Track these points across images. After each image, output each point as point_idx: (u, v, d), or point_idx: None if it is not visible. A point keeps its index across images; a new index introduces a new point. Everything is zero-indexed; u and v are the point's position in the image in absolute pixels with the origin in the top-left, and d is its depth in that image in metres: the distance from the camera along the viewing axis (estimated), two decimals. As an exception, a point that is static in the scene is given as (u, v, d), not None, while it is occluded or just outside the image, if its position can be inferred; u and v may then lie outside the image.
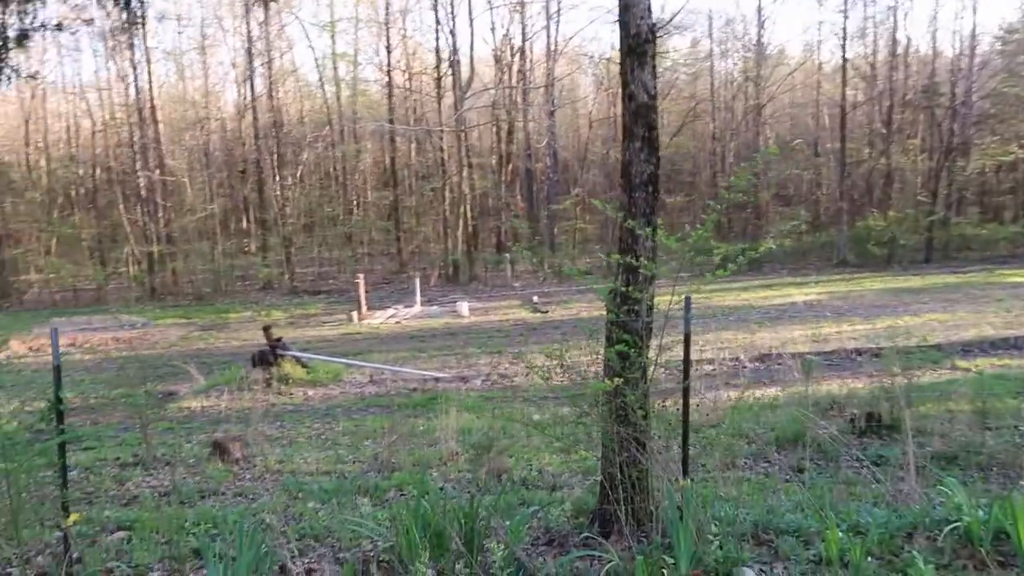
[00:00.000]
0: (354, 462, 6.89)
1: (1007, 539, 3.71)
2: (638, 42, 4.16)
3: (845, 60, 31.53)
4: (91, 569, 3.82)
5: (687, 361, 4.11)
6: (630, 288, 4.04)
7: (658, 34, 4.24)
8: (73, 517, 3.88)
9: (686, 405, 4.14)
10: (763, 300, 19.94)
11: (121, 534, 4.64)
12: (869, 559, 3.68)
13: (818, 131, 35.30)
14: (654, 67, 4.21)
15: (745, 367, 11.45)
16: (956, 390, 8.53)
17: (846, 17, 32.78)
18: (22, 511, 4.26)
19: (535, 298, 21.09)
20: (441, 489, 5.50)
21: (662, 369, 4.36)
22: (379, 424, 8.47)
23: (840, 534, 3.82)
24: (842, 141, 30.99)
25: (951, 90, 30.66)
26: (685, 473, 4.08)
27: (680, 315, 4.24)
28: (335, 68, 35.82)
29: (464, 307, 20.31)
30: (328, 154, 35.89)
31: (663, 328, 4.20)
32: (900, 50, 32.74)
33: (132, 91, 29.71)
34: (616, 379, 3.83)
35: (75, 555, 3.91)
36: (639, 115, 4.18)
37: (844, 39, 31.37)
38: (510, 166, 34.10)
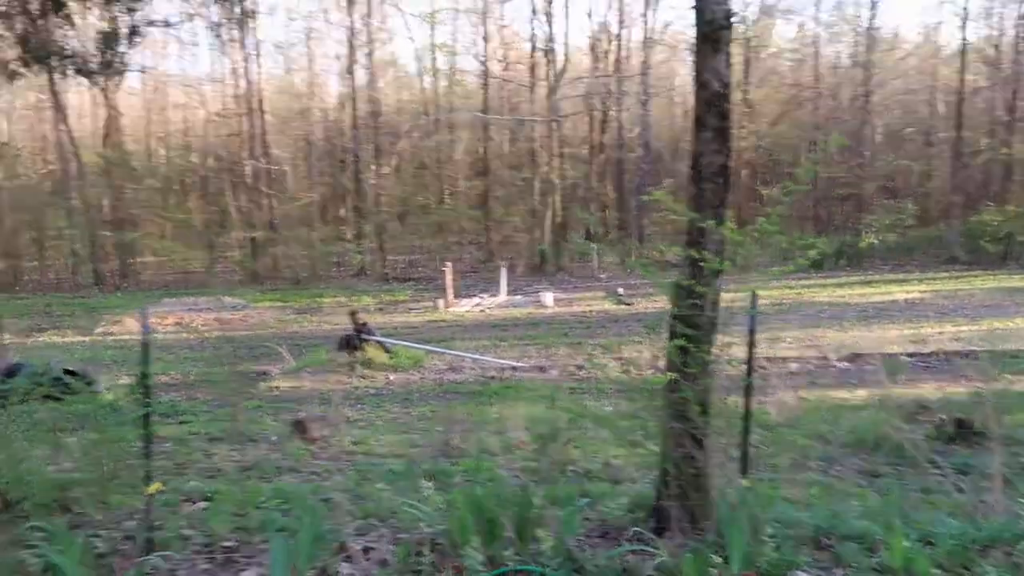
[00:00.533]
0: (426, 447, 7.07)
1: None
2: (712, 28, 4.06)
3: (965, 42, 29.63)
4: (169, 535, 4.08)
5: (751, 358, 4.00)
6: (694, 282, 3.97)
7: (735, 20, 4.11)
8: (155, 486, 4.15)
9: (748, 403, 4.04)
10: (860, 297, 19.11)
11: (203, 504, 4.93)
12: (936, 571, 3.51)
13: (932, 119, 33.28)
14: (728, 55, 4.11)
15: (833, 366, 11.04)
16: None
17: (967, -2, 30.74)
18: (112, 478, 4.61)
19: (620, 290, 20.90)
20: (501, 478, 5.57)
21: (730, 366, 4.28)
22: (454, 410, 8.65)
23: (908, 543, 3.66)
24: (958, 130, 29.16)
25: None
26: (744, 472, 3.99)
27: (756, 312, 4.14)
28: (433, 59, 36.45)
29: (548, 297, 20.36)
30: (423, 144, 36.57)
31: (727, 323, 4.12)
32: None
33: (243, 83, 31.15)
34: (672, 374, 3.78)
35: (156, 522, 4.19)
36: (711, 104, 4.08)
37: (965, 19, 29.50)
38: (603, 156, 33.85)
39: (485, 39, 33.28)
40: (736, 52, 35.55)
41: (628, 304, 19.13)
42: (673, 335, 4.03)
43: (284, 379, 11.14)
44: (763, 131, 33.68)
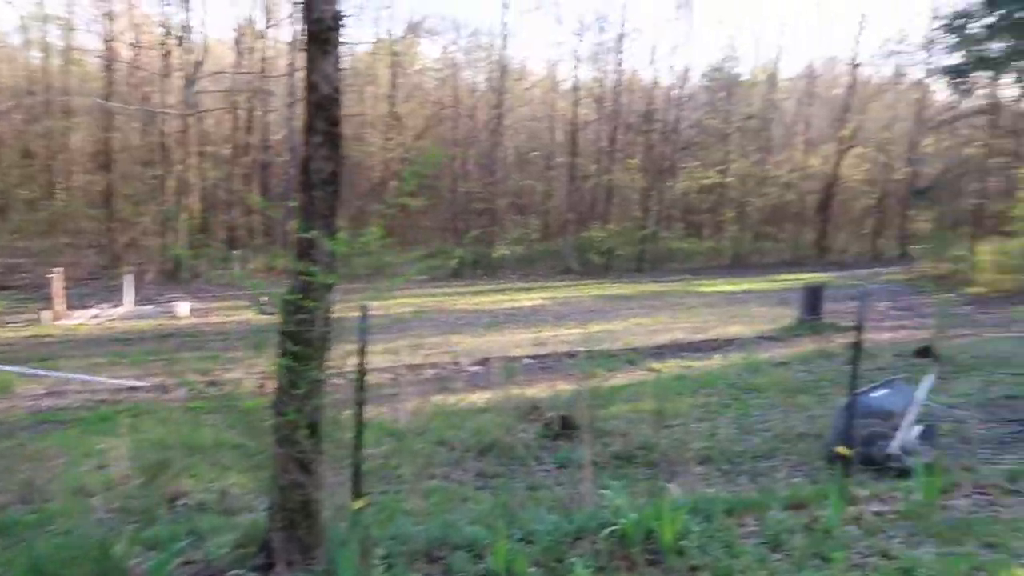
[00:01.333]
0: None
1: (656, 538, 3.95)
2: (321, 28, 3.87)
3: (577, 81, 34.04)
4: None
5: (362, 373, 3.88)
6: (303, 296, 3.73)
7: (343, 23, 3.97)
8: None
9: (359, 419, 3.91)
10: (494, 304, 20.65)
11: None
12: (533, 569, 3.72)
13: (552, 145, 37.56)
14: (338, 57, 3.95)
15: (466, 371, 11.65)
16: (645, 391, 9.31)
17: (580, 40, 35.35)
18: None
19: (264, 298, 19.91)
20: (87, 524, 4.76)
21: (353, 379, 4.11)
22: (46, 443, 7.32)
23: (510, 544, 3.84)
24: (572, 156, 33.30)
25: (665, 117, 34.34)
26: (358, 491, 3.85)
27: (365, 325, 4.02)
28: (43, 31, 31.24)
29: (183, 307, 18.60)
30: (30, 128, 31.17)
31: (345, 335, 3.95)
32: (626, 77, 36.04)
33: None
34: (278, 394, 3.50)
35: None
36: (321, 108, 3.89)
37: (577, 61, 33.87)
38: (249, 158, 32.09)
39: (110, 17, 29.47)
40: (383, 65, 36.17)
41: (274, 313, 18.21)
42: (285, 352, 3.76)
43: None
44: (409, 144, 34.93)
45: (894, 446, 5.89)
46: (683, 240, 34.97)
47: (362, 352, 3.82)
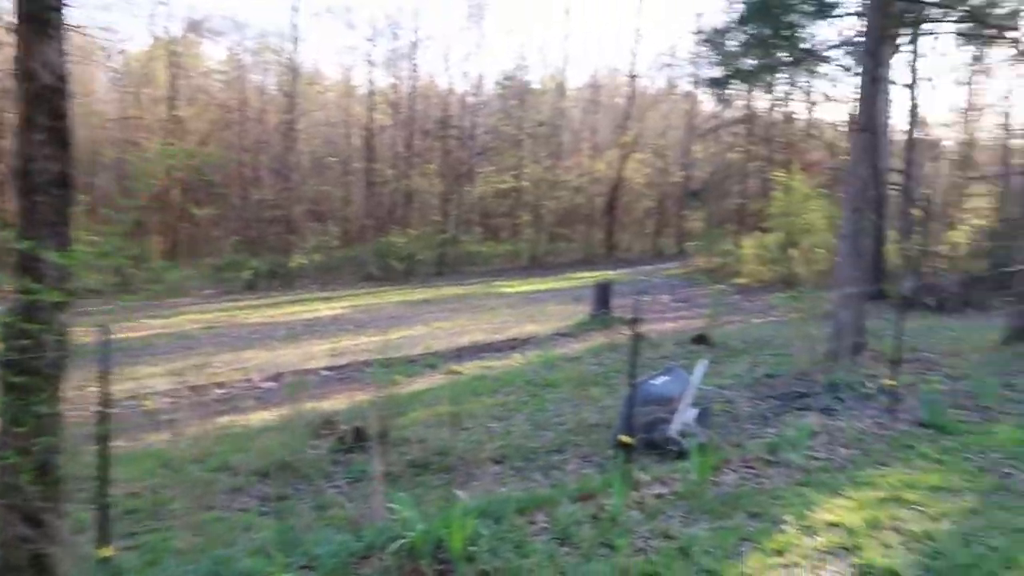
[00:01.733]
0: None
1: (446, 546, 3.84)
2: (39, 8, 3.37)
3: (372, 86, 33.60)
4: None
5: (105, 404, 3.41)
6: (28, 318, 3.21)
7: (66, 3, 3.47)
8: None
9: (103, 458, 3.44)
10: (291, 316, 19.74)
11: None
12: (316, 596, 3.47)
13: (349, 151, 36.77)
14: (62, 42, 3.45)
15: (259, 388, 10.98)
16: (445, 394, 9.26)
17: (374, 45, 34.89)
18: None
19: None
20: None
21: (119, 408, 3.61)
22: None
23: (292, 573, 3.56)
24: (369, 161, 32.79)
25: (461, 123, 34.81)
26: (105, 539, 3.38)
27: (109, 350, 3.56)
28: None
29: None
30: None
31: (82, 363, 3.46)
32: (421, 83, 36.10)
33: None
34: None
35: None
36: (42, 99, 3.38)
37: (372, 66, 33.42)
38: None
39: None
40: (162, 66, 33.47)
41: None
42: (5, 385, 3.22)
43: None
44: (193, 150, 32.60)
45: (673, 430, 6.25)
46: (482, 243, 35.62)
47: (105, 378, 3.35)
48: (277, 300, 23.32)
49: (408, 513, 3.92)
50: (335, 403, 9.32)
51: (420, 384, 10.56)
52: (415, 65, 35.36)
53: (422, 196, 34.96)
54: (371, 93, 34.18)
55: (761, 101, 34.77)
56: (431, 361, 12.02)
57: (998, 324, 11.88)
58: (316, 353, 14.11)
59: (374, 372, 8.10)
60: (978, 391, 7.68)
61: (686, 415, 6.58)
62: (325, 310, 20.70)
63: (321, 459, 6.08)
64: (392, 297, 23.43)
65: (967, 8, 11.06)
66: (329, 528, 4.41)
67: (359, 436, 6.38)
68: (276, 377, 11.64)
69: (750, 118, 35.36)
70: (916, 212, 24.35)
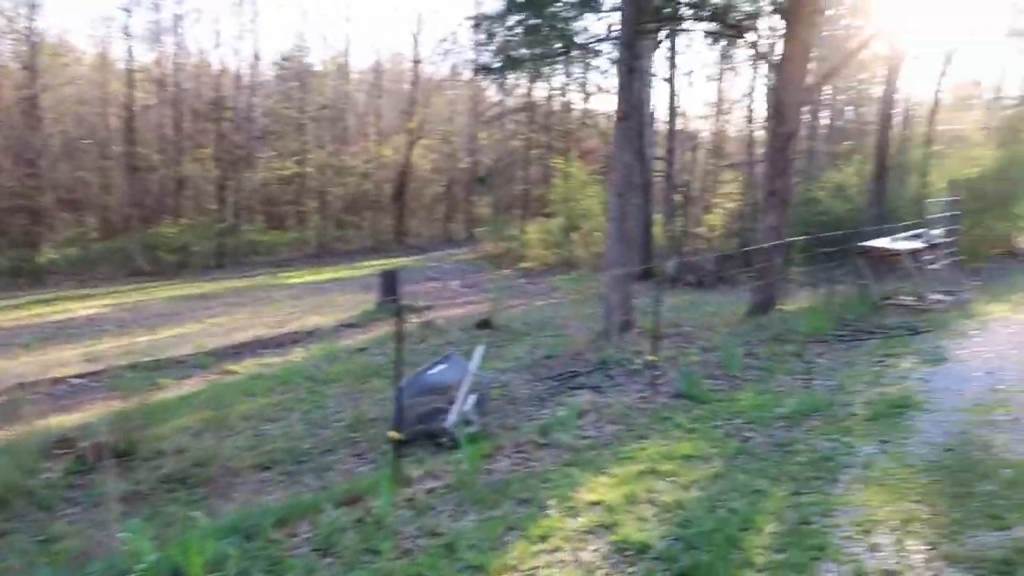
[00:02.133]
0: None
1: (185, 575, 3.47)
2: None
3: (132, 61, 30.52)
4: None
5: None
6: None
7: None
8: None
9: None
10: (39, 318, 17.49)
11: None
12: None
13: (107, 132, 33.18)
14: None
15: (-13, 404, 9.54)
16: (212, 397, 8.58)
17: (130, 16, 31.68)
18: None
19: None
20: None
21: None
22: None
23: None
24: (131, 144, 29.82)
25: (236, 104, 32.63)
26: None
27: None
28: None
29: None
30: None
31: None
32: (189, 60, 33.33)
33: None
34: None
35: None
36: None
37: (130, 39, 30.32)
38: None
39: None
40: None
41: None
42: None
43: None
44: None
45: (450, 419, 6.20)
46: (265, 232, 33.84)
47: None
48: (22, 300, 20.58)
49: (139, 543, 3.48)
50: (86, 415, 8.33)
51: (189, 387, 9.76)
52: (181, 39, 32.68)
53: (196, 183, 32.45)
54: (130, 69, 31.03)
55: (540, 90, 36.08)
56: (202, 361, 11.17)
57: (745, 298, 13.19)
58: (68, 359, 12.59)
59: (120, 378, 7.33)
60: (726, 361, 8.41)
61: (466, 403, 6.55)
62: (81, 309, 18.58)
63: (54, 483, 5.33)
64: (162, 293, 21.53)
65: (711, 8, 12.04)
66: (49, 568, 3.83)
67: (100, 454, 5.67)
68: (14, 390, 10.20)
69: (530, 107, 36.58)
70: (678, 197, 26.53)
